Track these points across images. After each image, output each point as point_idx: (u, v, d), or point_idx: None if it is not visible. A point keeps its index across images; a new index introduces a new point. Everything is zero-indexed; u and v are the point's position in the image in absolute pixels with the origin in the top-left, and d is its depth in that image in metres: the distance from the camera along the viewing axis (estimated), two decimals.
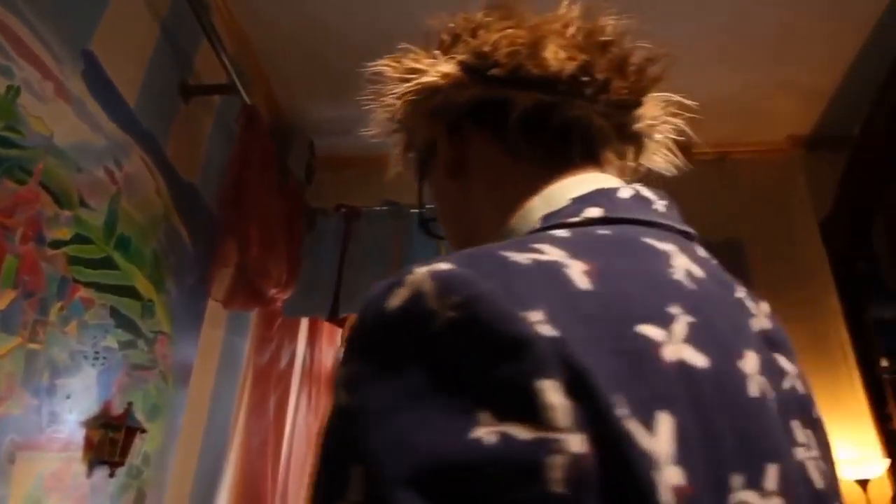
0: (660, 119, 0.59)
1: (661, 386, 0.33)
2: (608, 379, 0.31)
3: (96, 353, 2.12)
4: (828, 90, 3.18)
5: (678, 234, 0.48)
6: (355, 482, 0.30)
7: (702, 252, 0.49)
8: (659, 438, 0.31)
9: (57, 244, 1.92)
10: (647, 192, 0.52)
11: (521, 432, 0.29)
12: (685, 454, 0.32)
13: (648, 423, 0.31)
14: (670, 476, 0.31)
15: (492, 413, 0.29)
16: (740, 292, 0.47)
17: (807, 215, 3.25)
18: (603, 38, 0.54)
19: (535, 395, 0.29)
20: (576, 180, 0.51)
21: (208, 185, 2.75)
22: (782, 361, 0.45)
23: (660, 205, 0.51)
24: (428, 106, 0.56)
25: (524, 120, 0.52)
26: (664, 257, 0.42)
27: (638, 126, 0.57)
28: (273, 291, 2.79)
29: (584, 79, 0.52)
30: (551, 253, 0.37)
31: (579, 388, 0.30)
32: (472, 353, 0.30)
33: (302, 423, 2.95)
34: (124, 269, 2.24)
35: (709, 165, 3.40)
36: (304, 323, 3.12)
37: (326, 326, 3.13)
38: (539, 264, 0.35)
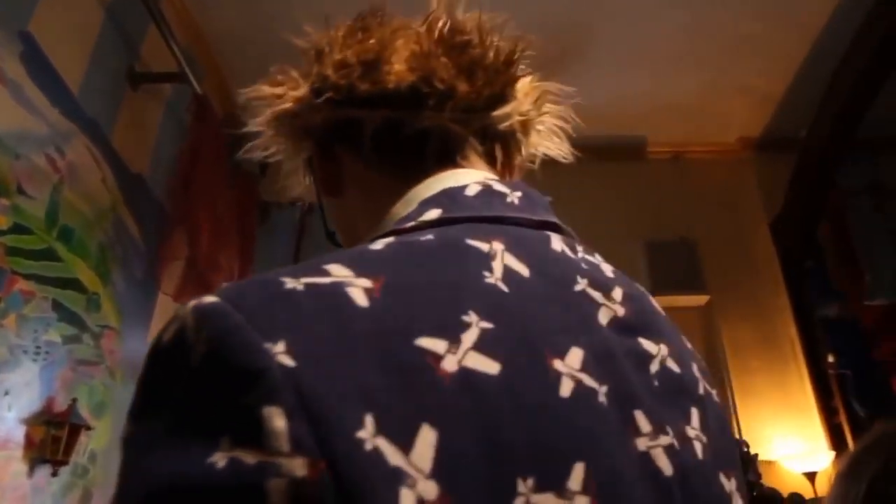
0: (534, 112, 0.58)
1: (431, 399, 0.33)
2: (357, 400, 0.32)
3: (37, 347, 2.05)
4: (778, 94, 3.27)
5: (532, 226, 0.48)
6: None
7: (556, 244, 0.48)
8: (414, 453, 0.31)
9: None
10: (499, 186, 0.50)
11: (248, 457, 0.30)
12: (448, 466, 0.32)
13: (404, 440, 0.31)
14: (422, 490, 0.31)
15: (229, 440, 0.31)
16: (584, 284, 0.45)
17: (757, 215, 3.33)
18: (460, 39, 0.55)
19: (263, 421, 0.31)
20: (430, 181, 0.52)
21: (158, 176, 2.68)
22: (646, 345, 0.45)
23: (514, 197, 0.50)
24: (292, 128, 0.58)
25: (375, 137, 0.53)
26: (483, 259, 0.41)
27: (504, 125, 0.56)
28: (224, 284, 2.73)
29: (425, 90, 0.52)
30: (336, 273, 0.37)
31: (309, 413, 0.31)
32: (218, 385, 0.32)
33: None
34: (67, 261, 2.17)
35: (664, 165, 3.46)
36: None
37: None
38: (315, 289, 0.36)
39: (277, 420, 0.31)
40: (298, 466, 0.30)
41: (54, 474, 2.08)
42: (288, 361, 0.32)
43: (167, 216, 2.64)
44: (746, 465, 2.54)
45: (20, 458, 1.98)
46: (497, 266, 0.41)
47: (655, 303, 0.52)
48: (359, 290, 0.36)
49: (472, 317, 0.37)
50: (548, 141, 0.62)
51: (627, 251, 3.14)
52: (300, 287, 0.36)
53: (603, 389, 0.39)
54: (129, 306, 2.52)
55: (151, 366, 0.35)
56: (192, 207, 2.51)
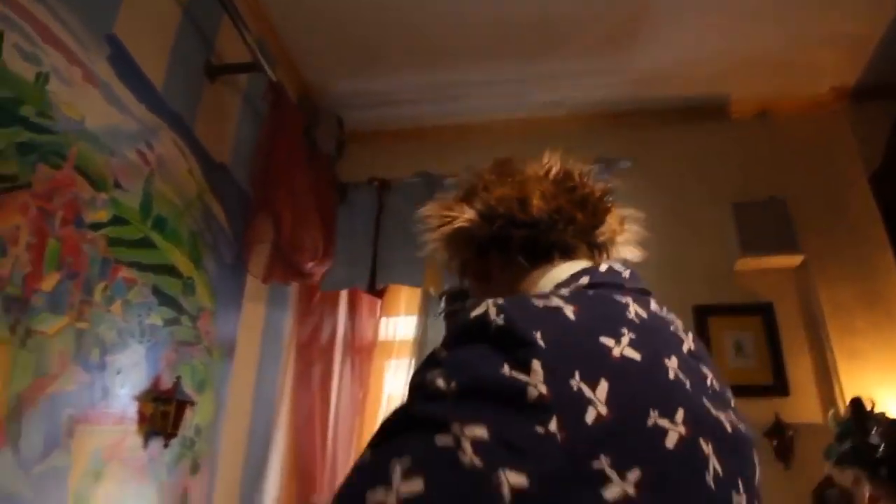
0: (618, 231, 0.91)
1: (607, 368, 0.61)
2: (571, 365, 0.60)
3: (142, 330, 2.20)
4: (873, 37, 3.02)
5: (636, 292, 0.77)
6: (438, 379, 0.60)
7: (653, 304, 0.78)
8: (597, 392, 0.59)
9: (96, 226, 1.99)
10: (617, 267, 0.82)
11: (520, 376, 0.58)
12: (613, 399, 0.59)
13: (592, 386, 0.59)
14: (600, 409, 0.58)
15: (509, 366, 0.59)
16: (675, 327, 0.77)
17: (855, 169, 3.12)
18: (571, 184, 0.88)
19: (531, 364, 0.58)
20: (564, 267, 0.84)
21: (239, 163, 2.80)
22: (703, 368, 0.74)
23: (626, 273, 0.81)
24: (458, 238, 0.90)
25: (521, 246, 0.86)
26: (623, 305, 0.71)
27: (601, 238, 0.89)
28: (310, 265, 2.83)
29: (556, 217, 0.86)
30: (556, 301, 0.67)
31: (549, 367, 0.59)
32: (506, 342, 0.61)
33: (346, 393, 3.01)
34: (162, 249, 2.31)
35: (749, 122, 3.29)
36: (344, 295, 3.17)
37: (366, 298, 3.16)
38: (546, 307, 0.66)
39: (537, 366, 0.58)
40: (543, 389, 0.57)
41: (166, 446, 2.25)
42: (540, 341, 0.60)
43: (250, 202, 2.75)
44: (867, 422, 2.40)
45: (135, 432, 2.15)
46: (632, 310, 0.71)
47: (689, 334, 0.81)
48: (569, 310, 0.65)
49: (625, 331, 0.66)
50: (627, 248, 0.94)
51: (715, 214, 3.02)
52: (540, 304, 0.66)
53: (687, 380, 0.67)
54: (221, 289, 2.65)
55: (466, 326, 0.64)
56: (273, 192, 2.61)
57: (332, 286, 3.04)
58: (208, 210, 2.62)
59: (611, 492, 0.54)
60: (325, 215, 2.95)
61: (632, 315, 0.69)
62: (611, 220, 0.90)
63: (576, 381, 0.58)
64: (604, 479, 0.54)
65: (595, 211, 0.88)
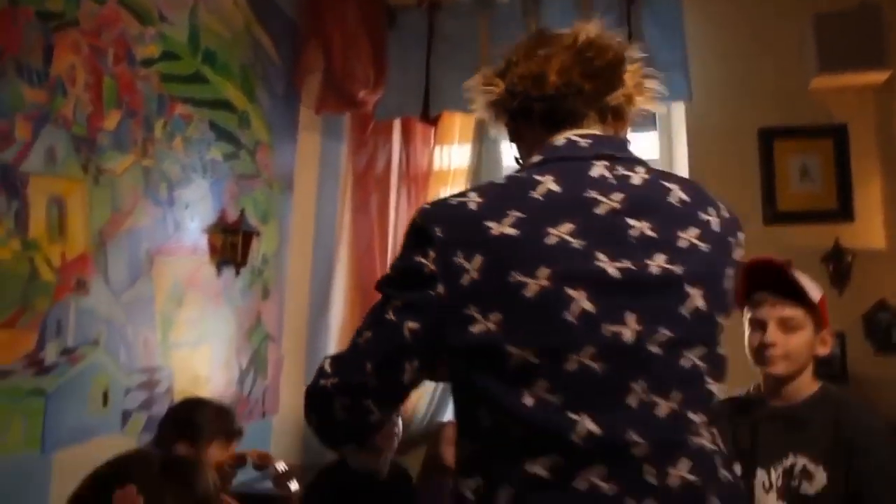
0: (635, 93, 0.97)
1: (483, 245, 0.83)
2: (456, 247, 0.83)
3: (203, 165, 2.26)
4: None
5: (604, 157, 0.91)
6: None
7: (594, 170, 0.89)
8: (472, 263, 0.83)
9: (148, 63, 1.98)
10: (576, 137, 0.94)
11: (420, 260, 0.85)
12: (483, 266, 0.82)
13: (469, 258, 0.83)
14: (472, 273, 0.82)
15: (416, 255, 0.86)
16: (594, 192, 0.87)
17: None
18: (588, 54, 0.95)
19: (427, 252, 0.85)
20: (560, 136, 0.95)
21: None
22: (631, 221, 0.86)
23: (584, 142, 0.93)
24: (495, 106, 1.02)
25: (540, 117, 0.97)
26: (533, 184, 0.87)
27: (614, 103, 0.96)
28: (362, 93, 2.78)
29: (565, 90, 0.94)
30: (466, 197, 0.88)
31: (440, 250, 0.84)
32: (418, 238, 0.87)
33: (403, 222, 3.08)
34: (215, 83, 2.30)
35: None
36: (398, 124, 3.13)
37: (419, 126, 3.13)
38: (455, 203, 0.87)
39: (432, 253, 0.84)
40: (433, 267, 0.84)
41: (237, 274, 2.41)
42: (439, 235, 0.85)
43: (299, 31, 2.66)
44: None
45: (208, 262, 2.29)
46: (541, 188, 0.86)
47: (673, 198, 0.90)
48: (473, 203, 0.86)
49: (512, 212, 0.84)
50: (648, 103, 1.00)
51: (792, 27, 2.76)
52: (455, 201, 0.88)
53: (581, 242, 0.83)
54: (275, 122, 2.66)
55: (407, 229, 0.90)
56: (322, 20, 2.50)
57: (386, 115, 3.00)
58: (257, 42, 2.55)
59: (476, 328, 0.82)
60: (376, 42, 2.84)
61: (536, 193, 0.86)
62: (628, 84, 0.96)
63: (457, 258, 0.83)
64: (472, 320, 0.82)
65: (608, 79, 0.95)
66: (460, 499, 0.83)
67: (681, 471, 0.79)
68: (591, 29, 0.97)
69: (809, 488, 1.25)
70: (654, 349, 0.81)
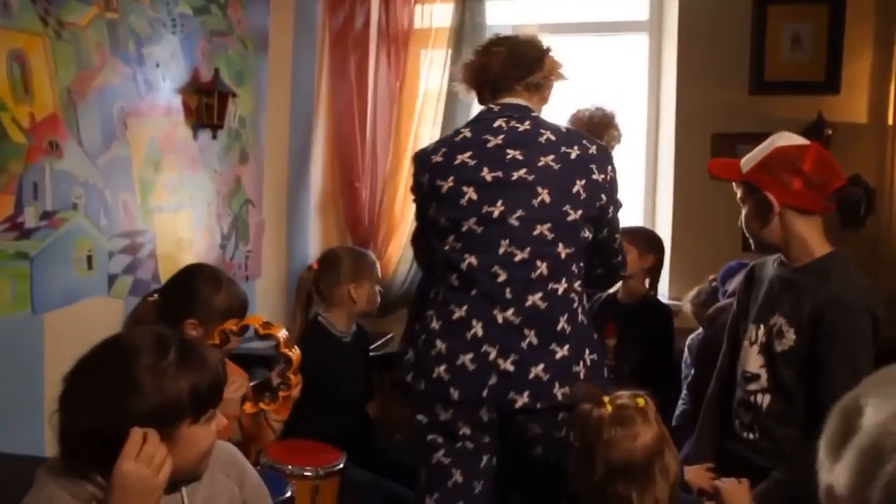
0: (550, 75, 1.53)
1: (429, 168, 1.48)
2: (423, 173, 1.50)
3: (173, 19, 2.13)
4: None
5: (507, 116, 1.48)
6: None
7: (497, 122, 1.46)
8: (427, 178, 1.48)
9: None
10: (493, 106, 1.50)
11: (415, 183, 1.54)
12: (429, 179, 1.47)
13: (425, 176, 1.49)
14: (427, 182, 1.48)
15: (414, 180, 1.55)
16: (492, 137, 1.45)
17: None
18: (518, 55, 1.51)
19: (416, 178, 1.53)
20: (496, 103, 1.51)
21: None
22: (509, 151, 1.42)
23: (495, 108, 1.49)
24: (469, 82, 1.58)
25: (489, 88, 1.53)
26: (458, 133, 1.50)
27: (534, 81, 1.50)
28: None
29: (500, 75, 1.49)
30: (433, 145, 1.56)
31: (418, 176, 1.52)
32: (415, 170, 1.55)
33: (384, 83, 2.98)
34: None
35: None
36: None
37: None
38: (427, 148, 1.56)
39: (419, 179, 1.51)
40: (419, 186, 1.52)
41: (214, 137, 2.35)
42: (419, 167, 1.53)
43: None
44: None
45: (184, 124, 2.22)
46: (461, 135, 1.49)
47: (543, 137, 1.44)
48: (431, 147, 1.55)
49: (443, 148, 1.49)
50: (560, 79, 1.56)
51: None
52: (428, 148, 1.55)
53: (475, 161, 1.43)
54: None
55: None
56: None
57: None
58: None
59: (431, 210, 1.46)
60: None
61: (458, 138, 1.48)
62: (546, 68, 1.51)
63: (424, 178, 1.48)
64: (429, 206, 1.47)
65: (530, 68, 1.49)
66: (417, 306, 1.62)
67: (535, 299, 1.37)
68: (527, 33, 1.58)
69: (779, 346, 1.33)
70: (514, 222, 1.38)
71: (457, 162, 1.42)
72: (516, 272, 1.36)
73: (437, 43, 2.93)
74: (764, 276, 1.45)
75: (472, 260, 1.38)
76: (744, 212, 1.40)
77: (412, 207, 2.93)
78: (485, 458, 1.41)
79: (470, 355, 1.34)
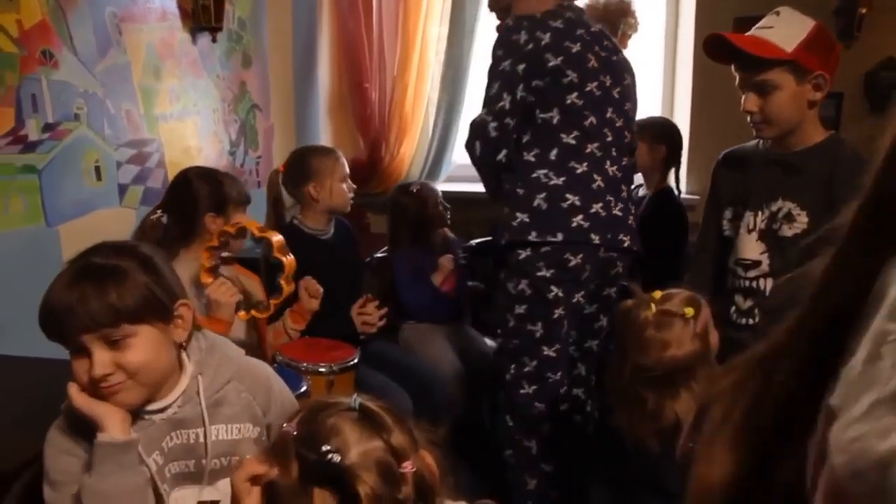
0: None
1: (558, 32, 1.60)
2: (554, 33, 1.61)
3: None
4: None
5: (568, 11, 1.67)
6: None
7: (577, 17, 1.67)
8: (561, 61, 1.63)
9: None
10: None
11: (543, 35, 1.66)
12: (564, 39, 1.62)
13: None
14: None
15: None
16: (590, 25, 1.68)
17: None
18: None
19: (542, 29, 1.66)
20: None
21: None
22: (603, 41, 1.68)
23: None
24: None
25: None
26: (562, 18, 1.63)
27: None
28: None
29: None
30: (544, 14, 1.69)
31: (546, 31, 1.63)
32: None
33: None
34: None
35: None
36: None
37: None
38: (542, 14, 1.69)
39: (544, 33, 1.61)
40: (542, 36, 1.61)
41: (214, 41, 2.28)
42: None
43: None
44: None
45: (181, 28, 2.16)
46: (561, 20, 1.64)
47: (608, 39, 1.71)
48: (544, 18, 1.65)
49: (550, 19, 1.63)
50: None
51: None
52: (538, 16, 1.65)
53: (588, 38, 1.64)
54: None
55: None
56: None
57: None
58: None
59: (552, 62, 1.57)
60: None
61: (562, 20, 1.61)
62: None
63: (546, 35, 1.59)
64: (553, 59, 1.57)
65: None
66: (496, 175, 1.69)
67: (626, 160, 1.69)
68: None
69: (788, 231, 1.31)
70: (615, 94, 1.66)
71: (578, 32, 1.59)
72: (618, 135, 1.64)
73: None
74: (748, 162, 1.40)
75: (593, 119, 1.58)
76: (770, 100, 1.29)
77: (423, 106, 2.92)
78: (588, 309, 1.70)
79: (600, 204, 1.58)
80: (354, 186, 2.09)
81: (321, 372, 1.65)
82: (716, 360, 1.10)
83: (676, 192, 2.23)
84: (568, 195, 1.57)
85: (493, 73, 1.62)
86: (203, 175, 1.62)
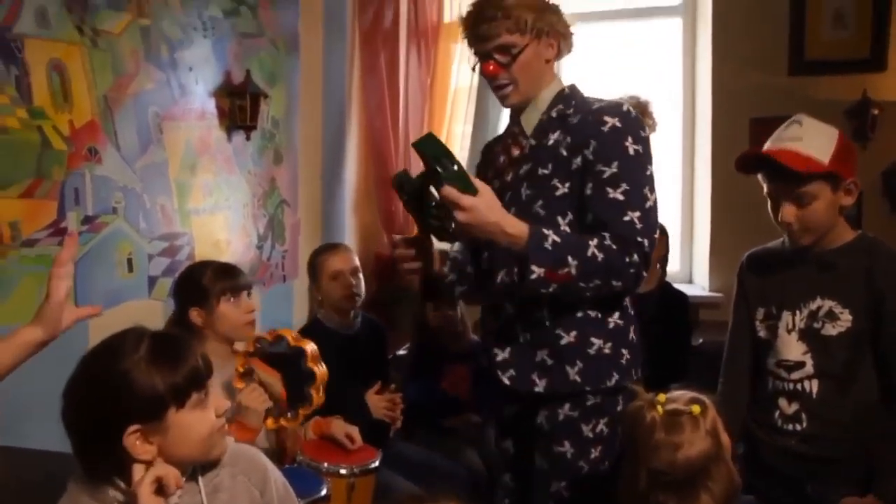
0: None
1: None
2: None
3: (204, 23, 2.16)
4: None
5: None
6: None
7: None
8: None
9: None
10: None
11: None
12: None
13: None
14: None
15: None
16: None
17: None
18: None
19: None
20: None
21: None
22: None
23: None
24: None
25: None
26: None
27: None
28: None
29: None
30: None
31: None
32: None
33: (414, 78, 2.98)
34: None
35: None
36: None
37: None
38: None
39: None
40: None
41: (248, 139, 2.37)
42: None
43: None
44: None
45: (218, 127, 2.25)
46: None
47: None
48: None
49: None
50: None
51: None
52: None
53: None
54: None
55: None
56: None
57: None
58: None
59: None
60: None
61: None
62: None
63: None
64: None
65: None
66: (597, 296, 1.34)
67: None
68: None
69: (832, 329, 1.29)
70: None
71: None
72: None
73: None
74: (776, 262, 1.40)
75: None
76: (808, 210, 1.29)
77: None
78: None
79: None
80: (352, 282, 2.11)
81: (342, 474, 1.61)
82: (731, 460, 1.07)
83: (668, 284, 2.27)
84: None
85: (633, 165, 1.29)
86: (185, 272, 1.72)
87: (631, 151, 1.28)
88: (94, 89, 1.73)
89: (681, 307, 2.17)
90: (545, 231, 1.23)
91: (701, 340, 2.45)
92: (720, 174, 2.70)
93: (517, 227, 1.20)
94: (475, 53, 1.40)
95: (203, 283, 1.61)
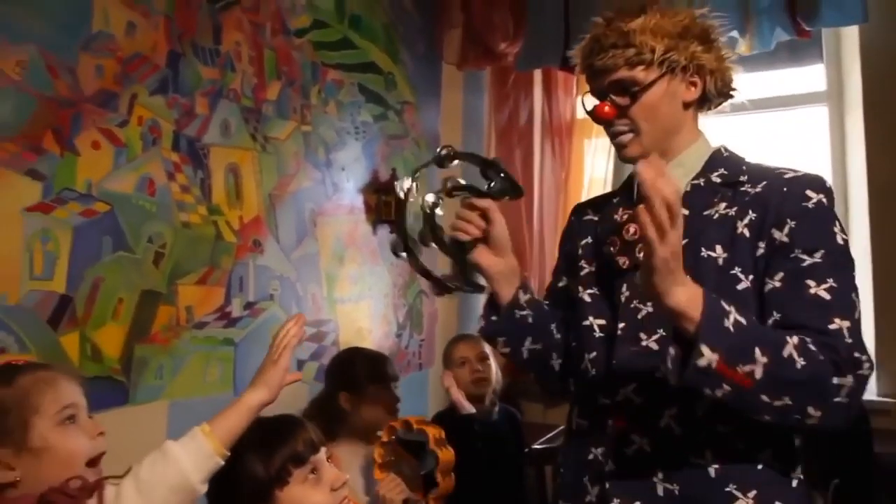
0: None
1: None
2: None
3: (356, 127, 2.36)
4: None
5: None
6: None
7: None
8: None
9: (300, 32, 2.08)
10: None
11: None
12: None
13: None
14: None
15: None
16: None
17: None
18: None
19: None
20: None
21: None
22: None
23: None
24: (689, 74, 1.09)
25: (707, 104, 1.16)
26: None
27: None
28: (502, 46, 2.75)
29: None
30: None
31: None
32: None
33: (549, 173, 3.04)
34: (361, 47, 2.37)
35: None
36: (538, 75, 3.07)
37: (561, 75, 3.04)
38: None
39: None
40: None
41: (392, 232, 2.51)
42: None
43: None
44: None
45: (364, 221, 2.41)
46: None
47: None
48: None
49: None
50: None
51: None
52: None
53: None
54: (419, 81, 2.71)
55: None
56: None
57: (526, 66, 2.95)
58: (397, 1, 2.59)
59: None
60: None
61: None
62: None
63: None
64: None
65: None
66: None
67: None
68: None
69: None
70: None
71: None
72: None
73: (601, 131, 2.93)
74: None
75: None
76: None
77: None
78: None
79: None
80: (479, 368, 2.11)
81: None
82: None
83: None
84: None
85: (841, 258, 0.96)
86: (340, 357, 1.78)
87: (839, 240, 0.94)
88: (261, 188, 1.93)
89: (859, 418, 1.94)
90: (725, 304, 0.83)
91: (876, 451, 2.17)
92: (882, 270, 2.47)
93: (688, 286, 0.82)
94: (591, 91, 1.11)
95: (356, 370, 1.70)
